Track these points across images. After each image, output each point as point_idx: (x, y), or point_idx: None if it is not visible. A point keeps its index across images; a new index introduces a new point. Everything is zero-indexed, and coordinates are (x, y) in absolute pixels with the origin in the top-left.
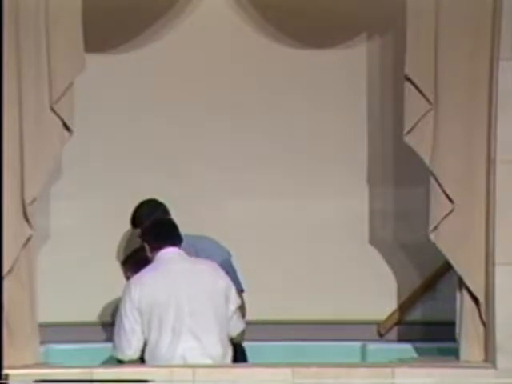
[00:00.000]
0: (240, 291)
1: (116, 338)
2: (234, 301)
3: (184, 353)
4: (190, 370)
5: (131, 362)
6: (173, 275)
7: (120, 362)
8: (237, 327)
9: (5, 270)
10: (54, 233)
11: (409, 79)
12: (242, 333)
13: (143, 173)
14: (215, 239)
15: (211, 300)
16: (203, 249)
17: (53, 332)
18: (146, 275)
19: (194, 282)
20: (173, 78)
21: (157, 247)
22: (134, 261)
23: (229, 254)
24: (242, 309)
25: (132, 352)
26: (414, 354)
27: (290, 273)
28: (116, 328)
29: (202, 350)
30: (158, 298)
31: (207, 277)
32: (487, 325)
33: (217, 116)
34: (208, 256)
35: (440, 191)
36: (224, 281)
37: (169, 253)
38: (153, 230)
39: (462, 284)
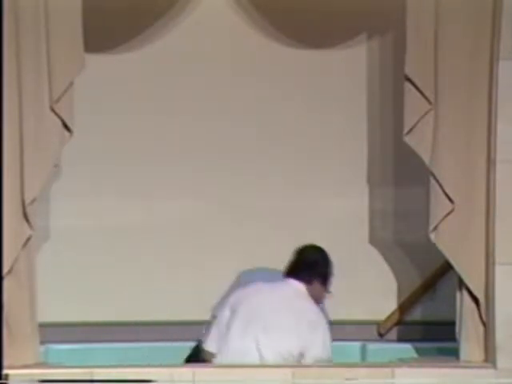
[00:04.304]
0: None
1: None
2: (308, 359)
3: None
4: (190, 370)
5: (208, 355)
6: (274, 293)
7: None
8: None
9: (5, 269)
10: (54, 233)
11: (409, 79)
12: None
13: (143, 173)
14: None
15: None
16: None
17: (53, 332)
18: (254, 283)
19: (287, 311)
20: (173, 78)
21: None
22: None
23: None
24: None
25: (208, 343)
26: (414, 354)
27: None
28: None
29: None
30: (250, 301)
31: (301, 316)
32: (487, 325)
33: (216, 115)
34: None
35: (440, 191)
36: (308, 336)
37: (289, 280)
38: (294, 259)
39: (462, 284)
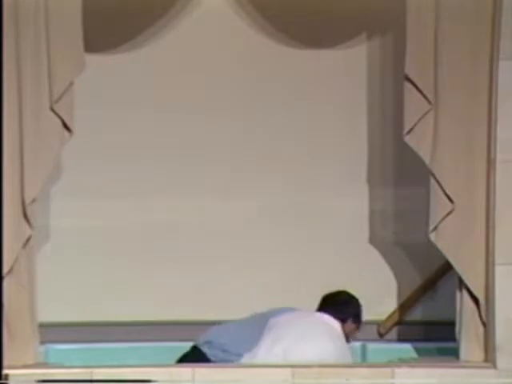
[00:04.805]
0: None
1: None
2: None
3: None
4: (189, 370)
5: None
6: (307, 318)
7: None
8: None
9: (5, 269)
10: (54, 233)
11: (409, 79)
12: None
13: (143, 173)
14: None
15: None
16: None
17: (53, 332)
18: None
19: (315, 333)
20: (173, 78)
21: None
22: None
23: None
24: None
25: None
26: (414, 354)
27: (290, 273)
28: None
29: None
30: (283, 321)
31: (323, 342)
32: (487, 325)
33: (216, 115)
34: None
35: (440, 191)
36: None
37: (320, 313)
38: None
39: (462, 284)
